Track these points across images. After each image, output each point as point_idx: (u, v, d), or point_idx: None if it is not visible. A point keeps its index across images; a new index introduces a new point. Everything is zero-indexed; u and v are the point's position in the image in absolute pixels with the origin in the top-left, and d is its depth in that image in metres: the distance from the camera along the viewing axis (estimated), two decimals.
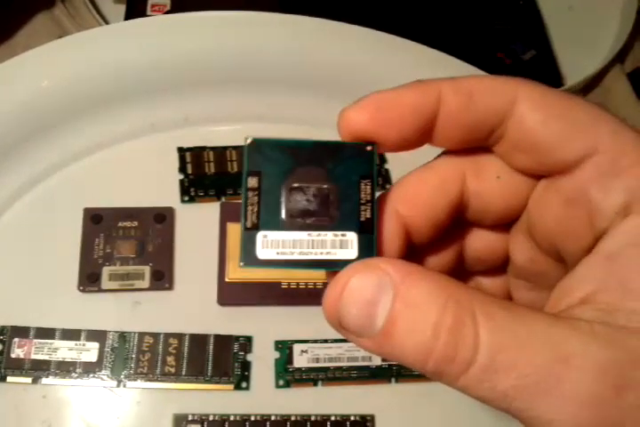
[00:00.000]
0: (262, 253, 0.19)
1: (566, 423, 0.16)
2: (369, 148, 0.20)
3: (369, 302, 0.17)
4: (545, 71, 0.51)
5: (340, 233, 0.19)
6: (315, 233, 0.19)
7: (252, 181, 0.19)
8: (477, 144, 0.20)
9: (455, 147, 0.21)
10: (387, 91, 0.19)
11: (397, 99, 0.19)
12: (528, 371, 0.16)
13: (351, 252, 0.19)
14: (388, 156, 0.44)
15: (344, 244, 0.19)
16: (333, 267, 0.19)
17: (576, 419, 0.16)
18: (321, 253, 0.19)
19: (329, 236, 0.19)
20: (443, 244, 0.23)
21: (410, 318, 0.17)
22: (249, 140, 0.19)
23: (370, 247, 0.19)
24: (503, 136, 0.20)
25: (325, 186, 0.19)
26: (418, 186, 0.21)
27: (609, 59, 0.51)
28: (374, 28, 0.43)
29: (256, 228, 0.19)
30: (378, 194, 0.20)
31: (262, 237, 0.19)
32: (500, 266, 0.24)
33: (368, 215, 0.19)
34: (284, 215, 0.19)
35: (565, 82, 0.50)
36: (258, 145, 0.19)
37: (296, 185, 0.19)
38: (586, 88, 0.52)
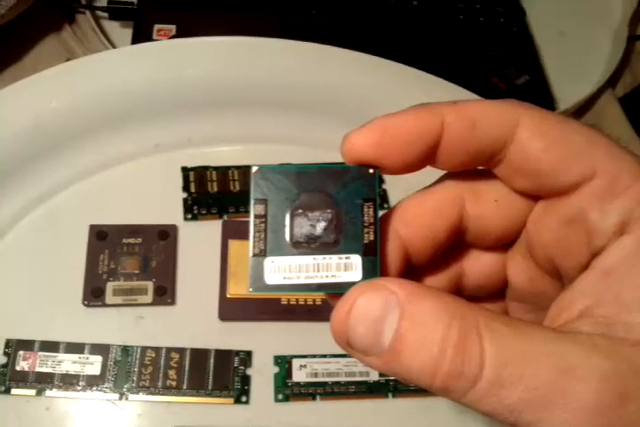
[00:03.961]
0: (270, 278, 0.19)
1: None
2: (371, 171, 0.20)
3: (376, 320, 0.17)
4: (538, 95, 0.52)
5: (344, 256, 0.19)
6: (320, 257, 0.19)
7: (259, 209, 0.20)
8: (478, 166, 0.21)
9: (456, 169, 0.21)
10: (390, 116, 0.20)
11: (401, 125, 0.19)
12: (534, 384, 0.16)
13: (355, 274, 0.19)
14: (386, 176, 0.45)
15: (348, 266, 0.19)
16: (338, 289, 0.19)
17: None
18: (326, 277, 0.19)
19: (333, 259, 0.19)
20: (442, 266, 0.23)
21: (416, 335, 0.17)
22: (254, 169, 0.20)
23: (373, 269, 0.19)
24: (504, 160, 0.20)
25: (329, 210, 0.20)
26: (418, 208, 0.22)
27: (600, 83, 0.52)
28: (372, 53, 0.44)
29: (263, 254, 0.19)
30: (379, 214, 0.20)
31: (270, 262, 0.19)
32: (499, 292, 0.25)
33: (371, 238, 0.20)
34: (289, 241, 0.20)
35: (558, 106, 0.52)
36: (263, 172, 0.20)
37: (300, 211, 0.20)
38: (578, 112, 0.53)
